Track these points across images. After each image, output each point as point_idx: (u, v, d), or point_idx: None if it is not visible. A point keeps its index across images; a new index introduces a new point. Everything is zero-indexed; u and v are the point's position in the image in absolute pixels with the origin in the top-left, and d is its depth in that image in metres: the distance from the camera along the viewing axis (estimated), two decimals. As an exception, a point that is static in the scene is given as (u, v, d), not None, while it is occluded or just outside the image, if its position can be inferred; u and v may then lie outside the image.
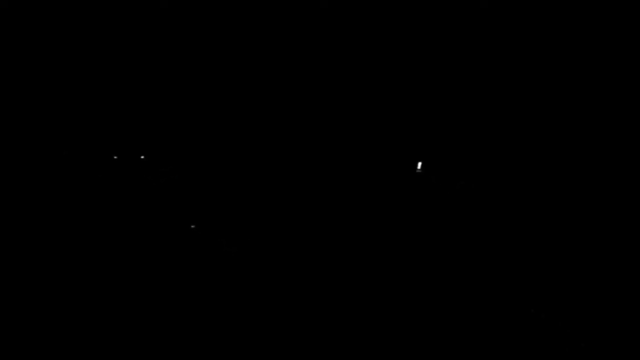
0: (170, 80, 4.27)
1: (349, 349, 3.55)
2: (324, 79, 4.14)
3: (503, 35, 3.89)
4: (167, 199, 4.18)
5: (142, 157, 4.28)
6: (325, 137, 4.18)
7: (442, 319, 3.66)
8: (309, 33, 4.09)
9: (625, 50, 3.72)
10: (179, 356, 3.51)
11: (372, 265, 3.91)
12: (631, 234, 3.65)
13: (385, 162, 4.11)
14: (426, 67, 4.04)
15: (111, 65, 4.26)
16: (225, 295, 3.80)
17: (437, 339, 3.58)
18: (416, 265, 3.88)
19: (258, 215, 4.13)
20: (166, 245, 4.02)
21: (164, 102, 4.30)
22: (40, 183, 4.18)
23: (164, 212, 4.14)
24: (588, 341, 3.47)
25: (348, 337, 3.59)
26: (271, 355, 3.53)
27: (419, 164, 3.81)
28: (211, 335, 3.61)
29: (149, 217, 4.12)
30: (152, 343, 3.56)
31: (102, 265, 3.91)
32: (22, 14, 4.14)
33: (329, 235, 4.01)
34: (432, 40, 3.99)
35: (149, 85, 4.28)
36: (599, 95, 3.79)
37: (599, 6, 3.72)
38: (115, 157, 4.28)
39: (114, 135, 4.32)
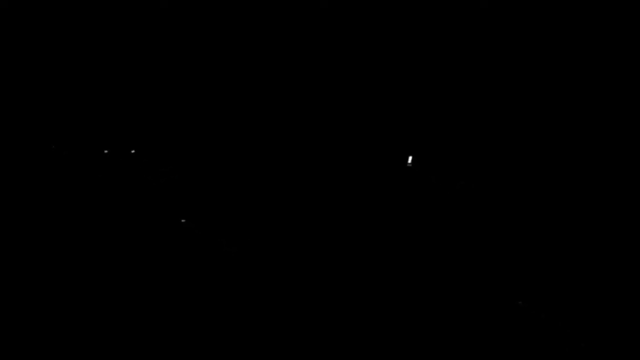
0: (170, 80, 4.27)
1: (348, 349, 3.54)
2: (323, 77, 4.14)
3: (503, 35, 3.89)
4: (167, 199, 4.18)
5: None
6: (326, 135, 4.18)
7: (441, 321, 3.65)
8: (309, 33, 4.09)
9: (626, 50, 3.71)
10: (179, 356, 3.51)
11: (372, 264, 3.90)
12: (631, 234, 3.64)
13: (385, 160, 4.11)
14: (427, 67, 4.03)
15: (112, 66, 4.27)
16: (225, 295, 3.80)
17: (437, 340, 3.57)
18: (414, 265, 3.87)
19: (258, 215, 4.13)
20: (166, 245, 4.02)
21: (164, 102, 4.30)
22: (41, 183, 4.19)
23: (164, 212, 4.14)
24: (588, 341, 3.46)
25: (348, 337, 3.59)
26: (271, 355, 3.53)
27: (410, 158, 3.80)
28: (211, 336, 3.61)
29: (148, 217, 4.13)
30: (152, 343, 3.56)
31: (104, 266, 3.92)
32: (22, 14, 4.15)
33: (327, 235, 4.01)
34: (433, 39, 3.98)
35: (149, 86, 4.28)
36: (599, 94, 3.78)
37: (599, 6, 3.71)
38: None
39: (115, 135, 4.32)
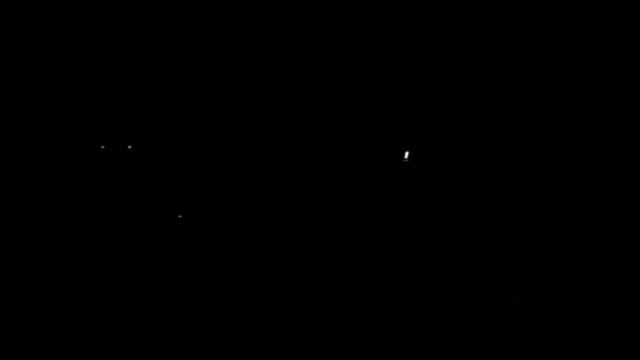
0: (170, 79, 4.27)
1: (348, 348, 3.55)
2: (321, 74, 4.14)
3: (503, 34, 3.89)
4: (167, 199, 4.18)
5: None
6: (325, 134, 4.18)
7: (439, 319, 3.66)
8: (309, 33, 4.09)
9: (626, 51, 3.72)
10: (178, 356, 3.52)
11: (371, 264, 3.91)
12: (631, 234, 3.65)
13: (384, 157, 4.11)
14: (428, 67, 4.03)
15: (113, 66, 4.26)
16: (225, 295, 3.80)
17: (435, 338, 3.58)
18: (412, 264, 3.88)
19: (258, 215, 4.12)
20: (166, 245, 4.02)
21: (165, 102, 4.30)
22: (39, 180, 4.18)
23: (164, 212, 4.14)
24: (588, 341, 3.47)
25: (347, 336, 3.59)
26: (271, 355, 3.54)
27: (406, 154, 3.79)
28: (211, 336, 3.61)
29: (148, 217, 4.12)
30: (152, 343, 3.56)
31: (103, 266, 3.91)
32: (21, 13, 4.14)
33: (326, 235, 4.01)
34: (434, 39, 3.98)
35: (150, 85, 4.28)
36: (600, 94, 3.79)
37: (599, 6, 3.72)
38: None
39: (114, 135, 4.32)
